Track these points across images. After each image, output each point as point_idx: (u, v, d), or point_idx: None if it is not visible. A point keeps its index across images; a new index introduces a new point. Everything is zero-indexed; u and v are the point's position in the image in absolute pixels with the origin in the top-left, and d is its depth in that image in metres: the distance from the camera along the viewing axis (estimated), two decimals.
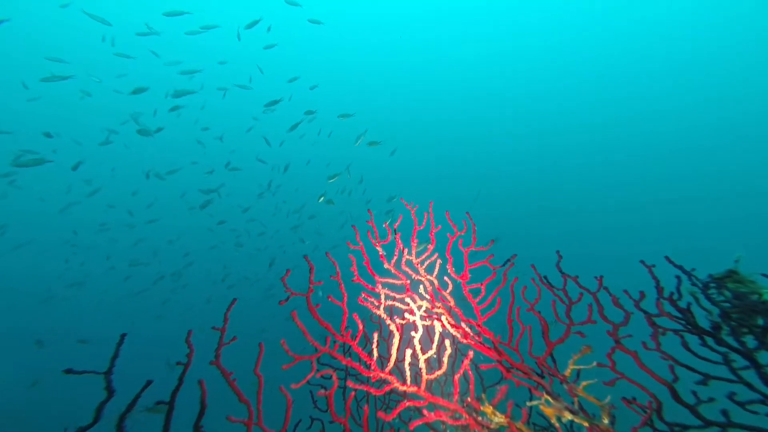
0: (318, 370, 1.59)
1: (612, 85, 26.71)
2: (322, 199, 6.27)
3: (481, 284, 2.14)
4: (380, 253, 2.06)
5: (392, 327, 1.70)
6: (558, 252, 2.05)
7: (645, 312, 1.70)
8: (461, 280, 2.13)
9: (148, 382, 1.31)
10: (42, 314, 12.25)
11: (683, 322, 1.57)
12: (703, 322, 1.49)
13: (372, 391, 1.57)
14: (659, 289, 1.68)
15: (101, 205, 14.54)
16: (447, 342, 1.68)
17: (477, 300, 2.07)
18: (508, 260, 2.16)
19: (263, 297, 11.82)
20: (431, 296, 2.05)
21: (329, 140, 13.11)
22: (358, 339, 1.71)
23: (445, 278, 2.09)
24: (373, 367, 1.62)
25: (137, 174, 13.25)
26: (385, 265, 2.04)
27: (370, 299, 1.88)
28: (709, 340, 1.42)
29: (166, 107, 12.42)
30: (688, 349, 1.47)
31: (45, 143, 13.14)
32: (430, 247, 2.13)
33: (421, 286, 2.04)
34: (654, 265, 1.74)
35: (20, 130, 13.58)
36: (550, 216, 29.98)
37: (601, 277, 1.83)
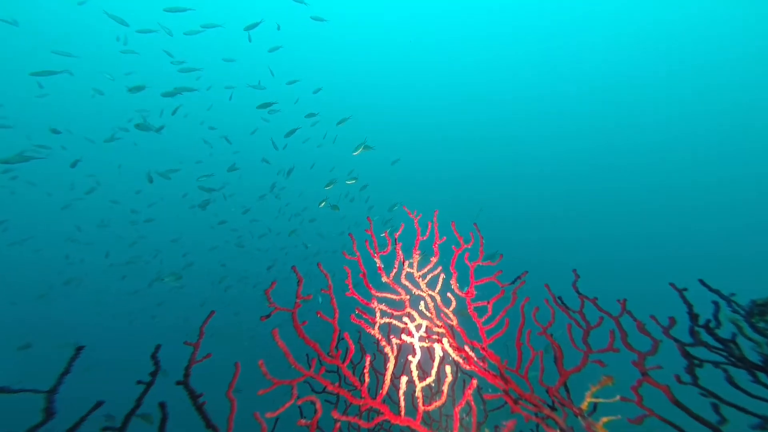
0: (299, 397, 1.40)
1: (623, 90, 26.18)
2: (323, 204, 6.12)
3: (488, 302, 1.95)
4: (378, 264, 1.88)
5: (387, 349, 1.51)
6: (575, 271, 1.86)
7: (677, 341, 1.49)
8: (466, 297, 1.94)
9: (98, 403, 1.17)
10: (39, 310, 12.18)
11: (725, 353, 1.36)
12: (752, 355, 1.28)
13: (360, 423, 1.39)
14: (693, 316, 1.48)
15: (105, 203, 14.56)
16: (448, 368, 1.48)
17: (483, 320, 1.88)
18: (519, 277, 1.96)
19: (261, 298, 11.63)
20: (432, 314, 1.86)
21: (335, 143, 13.03)
22: (348, 361, 1.52)
23: (449, 294, 1.90)
24: (363, 395, 1.43)
25: (143, 172, 13.31)
26: (383, 279, 1.86)
27: (365, 316, 1.70)
28: (762, 376, 1.21)
29: (173, 106, 12.45)
30: (736, 386, 1.26)
31: (55, 139, 13.22)
32: (433, 259, 1.95)
33: (422, 303, 1.85)
34: (686, 289, 1.54)
35: (36, 126, 13.72)
36: (564, 229, 28.36)
37: (624, 300, 1.63)
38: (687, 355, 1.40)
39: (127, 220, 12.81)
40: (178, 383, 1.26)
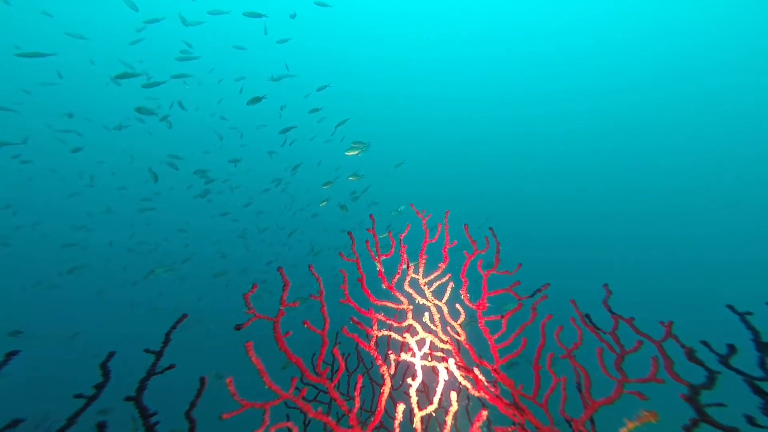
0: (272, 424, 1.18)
1: (640, 87, 25.16)
2: (324, 203, 5.93)
3: (502, 317, 1.70)
4: (379, 268, 1.65)
5: (384, 370, 1.28)
6: (606, 286, 1.61)
7: (742, 373, 1.23)
8: (477, 309, 1.70)
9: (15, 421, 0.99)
10: (44, 297, 12.26)
11: None
12: None
13: None
14: (762, 345, 1.21)
15: (113, 191, 14.63)
16: (453, 395, 1.25)
17: (495, 337, 1.64)
18: (539, 290, 1.71)
19: (261, 292, 11.47)
20: (437, 327, 1.63)
21: (343, 142, 12.88)
22: (336, 381, 1.30)
23: (457, 306, 1.67)
24: (351, 422, 1.20)
25: (155, 161, 13.40)
26: (384, 284, 1.64)
27: (361, 327, 1.47)
28: None
29: (185, 97, 12.42)
30: None
31: (73, 127, 13.32)
32: (442, 265, 1.72)
33: (427, 314, 1.62)
34: (750, 313, 1.28)
35: (55, 113, 13.91)
36: (592, 236, 26.04)
37: (670, 322, 1.37)
38: (761, 392, 1.14)
39: (134, 209, 12.84)
40: (128, 399, 1.06)
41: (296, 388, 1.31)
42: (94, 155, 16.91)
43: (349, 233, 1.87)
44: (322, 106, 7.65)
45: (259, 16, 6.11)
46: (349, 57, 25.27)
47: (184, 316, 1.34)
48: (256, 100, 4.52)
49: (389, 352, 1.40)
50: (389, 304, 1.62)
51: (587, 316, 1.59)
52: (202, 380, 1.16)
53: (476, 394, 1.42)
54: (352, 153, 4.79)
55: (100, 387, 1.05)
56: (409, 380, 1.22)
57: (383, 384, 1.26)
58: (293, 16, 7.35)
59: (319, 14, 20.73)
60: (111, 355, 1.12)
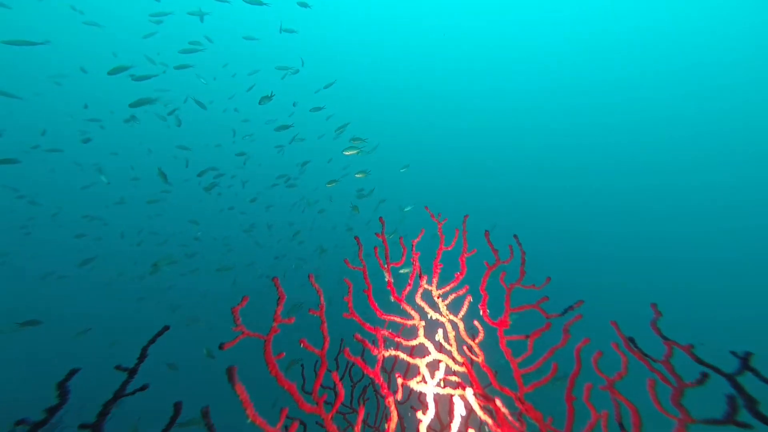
0: None
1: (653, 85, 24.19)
2: (331, 200, 5.80)
3: (528, 336, 1.49)
4: (388, 279, 1.46)
5: (390, 401, 1.09)
6: (654, 305, 1.38)
7: None
8: (498, 327, 1.50)
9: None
10: (43, 291, 12.46)
11: None
12: None
13: None
14: None
15: (126, 184, 14.83)
16: None
17: (519, 360, 1.43)
18: (571, 307, 1.50)
19: (268, 289, 11.42)
20: (452, 346, 1.43)
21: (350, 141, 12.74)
22: (335, 410, 1.12)
23: (475, 322, 1.46)
24: None
25: (167, 156, 13.51)
26: (393, 297, 1.45)
27: (366, 345, 1.29)
28: None
29: (199, 90, 12.46)
30: None
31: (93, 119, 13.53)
32: (459, 275, 1.51)
33: (440, 331, 1.42)
34: None
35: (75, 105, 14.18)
36: (613, 233, 24.76)
37: (748, 354, 1.14)
38: None
39: (146, 201, 12.99)
40: (83, 427, 0.89)
41: (291, 414, 1.14)
42: (113, 147, 17.18)
43: (356, 238, 1.69)
44: (324, 104, 7.55)
45: (261, 3, 6.04)
46: (358, 54, 25.05)
47: (165, 328, 1.17)
48: (267, 99, 4.39)
49: (396, 375, 1.20)
50: (398, 319, 1.42)
51: (631, 339, 1.36)
52: (176, 407, 0.99)
53: (497, 430, 1.21)
54: (350, 152, 4.62)
55: (53, 410, 0.89)
56: (419, 414, 1.03)
57: (389, 419, 1.07)
58: (303, 5, 7.20)
59: (326, 13, 20.60)
60: (73, 372, 0.96)
